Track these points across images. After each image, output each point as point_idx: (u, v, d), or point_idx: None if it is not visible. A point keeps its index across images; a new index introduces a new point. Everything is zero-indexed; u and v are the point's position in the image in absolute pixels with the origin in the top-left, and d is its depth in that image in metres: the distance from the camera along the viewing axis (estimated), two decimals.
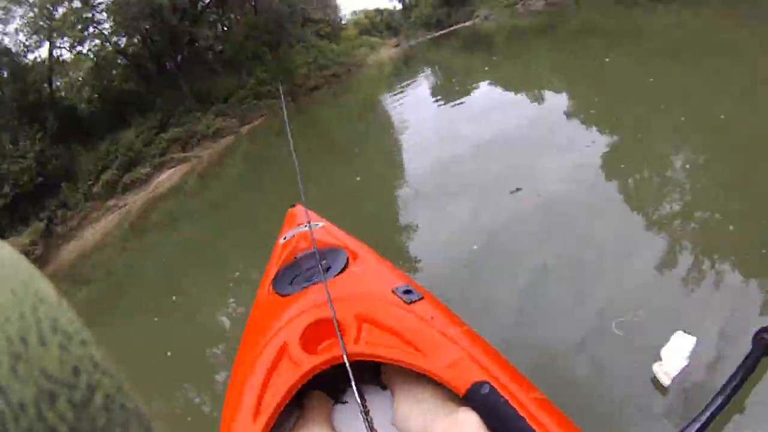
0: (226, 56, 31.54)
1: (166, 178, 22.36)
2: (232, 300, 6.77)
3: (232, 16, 35.45)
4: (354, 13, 75.59)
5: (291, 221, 3.76)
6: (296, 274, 2.70)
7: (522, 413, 1.45)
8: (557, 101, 8.52)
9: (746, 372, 2.02)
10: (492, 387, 1.53)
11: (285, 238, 3.39)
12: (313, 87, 32.79)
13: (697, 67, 7.68)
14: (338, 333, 1.85)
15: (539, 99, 9.26)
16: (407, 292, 2.15)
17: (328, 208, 5.76)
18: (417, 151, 9.36)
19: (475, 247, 4.78)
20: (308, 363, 1.83)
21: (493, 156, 6.98)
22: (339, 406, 2.11)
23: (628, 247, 3.91)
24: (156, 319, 7.34)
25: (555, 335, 3.26)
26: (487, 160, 6.95)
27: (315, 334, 2.01)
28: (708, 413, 1.85)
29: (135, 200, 21.55)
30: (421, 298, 2.11)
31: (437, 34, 53.31)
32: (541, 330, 3.38)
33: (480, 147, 7.47)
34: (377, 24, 73.81)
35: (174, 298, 7.97)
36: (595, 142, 6.01)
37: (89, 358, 0.26)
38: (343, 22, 54.99)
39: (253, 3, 32.92)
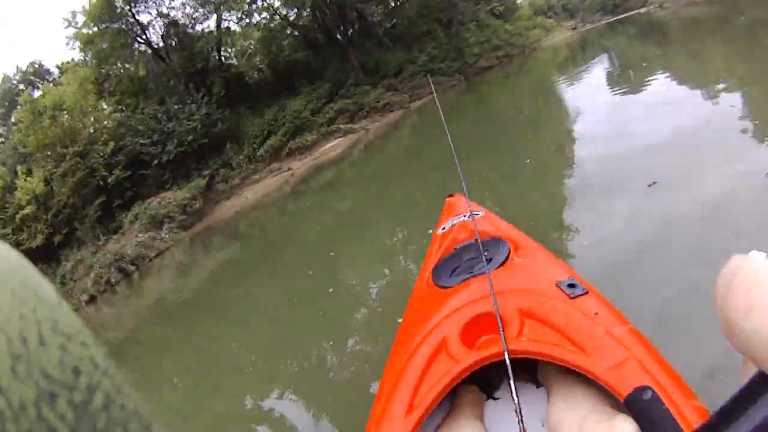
0: (398, 31, 31.32)
1: (331, 147, 22.60)
2: (381, 265, 7.00)
3: None
4: None
5: (449, 211, 3.61)
6: (457, 265, 2.58)
7: (683, 425, 1.29)
8: (733, 103, 7.85)
9: None
10: (654, 393, 1.40)
11: (444, 228, 3.26)
12: (485, 67, 32.05)
13: None
14: (501, 329, 1.74)
15: (714, 98, 8.62)
16: (571, 285, 2.01)
17: (490, 193, 5.94)
18: (587, 141, 9.06)
19: (638, 244, 4.60)
20: (468, 359, 1.75)
21: (663, 155, 6.64)
22: (491, 403, 2.03)
23: None
24: (310, 272, 8.01)
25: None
26: (655, 158, 6.62)
27: (476, 328, 1.93)
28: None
29: (298, 166, 21.99)
30: (586, 293, 1.97)
31: (613, 19, 51.74)
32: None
33: (650, 145, 7.13)
34: (554, 5, 71.75)
35: (332, 253, 8.43)
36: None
37: (89, 359, 0.26)
38: (518, 1, 53.37)
39: None
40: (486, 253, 2.47)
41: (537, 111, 15.85)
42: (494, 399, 2.05)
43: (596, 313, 1.83)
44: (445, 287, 2.41)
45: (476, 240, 2.59)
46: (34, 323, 0.25)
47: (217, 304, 9.83)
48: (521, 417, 1.53)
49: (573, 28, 58.06)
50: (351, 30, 29.57)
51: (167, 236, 19.62)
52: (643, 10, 47.86)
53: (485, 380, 2.07)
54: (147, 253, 18.68)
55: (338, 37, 29.03)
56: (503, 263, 2.40)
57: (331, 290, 7.08)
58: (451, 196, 3.95)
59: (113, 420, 0.25)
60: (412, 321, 2.35)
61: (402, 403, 1.69)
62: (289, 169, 22.09)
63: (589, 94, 14.34)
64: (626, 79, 15.01)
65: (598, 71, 18.90)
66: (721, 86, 9.10)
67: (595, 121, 10.56)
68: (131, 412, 0.26)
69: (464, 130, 14.37)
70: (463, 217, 3.21)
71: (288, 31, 30.62)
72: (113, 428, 0.24)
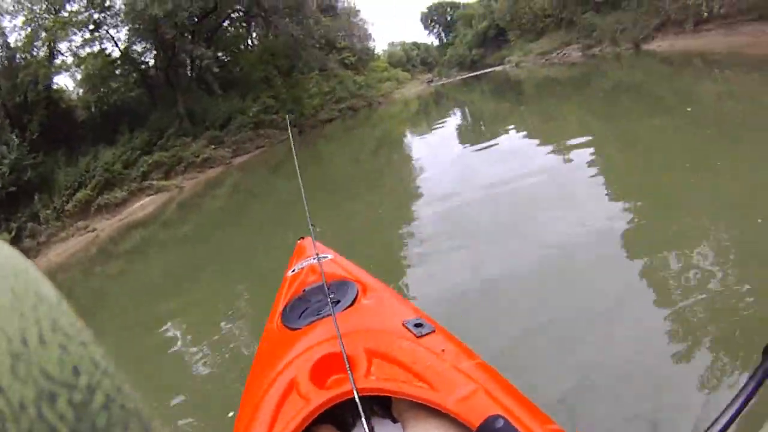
0: (234, 77, 29.29)
1: (143, 205, 20.59)
2: (221, 314, 6.62)
3: (254, 35, 33.56)
4: (391, 44, 75.89)
5: (300, 253, 3.58)
6: (305, 307, 2.57)
7: None
8: (581, 159, 8.16)
9: (756, 386, 1.55)
10: (506, 421, 1.45)
11: (294, 270, 3.24)
12: (326, 119, 30.66)
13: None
14: (348, 368, 1.76)
15: (563, 154, 8.94)
16: (418, 325, 2.06)
17: (336, 243, 4.91)
18: (432, 193, 8.97)
19: (477, 289, 4.75)
20: (318, 398, 1.73)
21: (509, 205, 7.00)
22: None
23: (619, 308, 3.83)
24: (132, 331, 7.43)
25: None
26: (502, 208, 6.94)
27: (325, 368, 1.93)
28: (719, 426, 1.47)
29: (105, 225, 19.96)
30: (433, 331, 2.03)
31: (470, 75, 52.34)
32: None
33: (496, 195, 7.43)
34: (413, 58, 72.70)
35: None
36: (609, 206, 5.89)
37: (89, 359, 0.26)
38: (376, 52, 53.22)
39: (274, 24, 30.53)
40: (333, 295, 2.47)
41: (379, 164, 15.61)
42: None
43: (443, 350, 1.87)
44: (294, 329, 2.38)
45: (325, 282, 2.54)
46: (34, 322, 0.25)
47: None
48: None
49: (429, 81, 58.80)
50: (182, 72, 27.22)
51: None
52: (499, 68, 48.82)
53: (342, 419, 1.99)
54: None
55: (171, 79, 26.52)
56: (351, 305, 2.41)
57: (166, 348, 6.47)
58: (302, 239, 3.91)
59: (113, 419, 0.24)
60: (263, 363, 2.30)
61: None
62: (94, 229, 19.81)
63: (437, 147, 14.40)
64: (477, 134, 15.43)
65: (449, 125, 18.97)
66: (570, 141, 9.36)
67: (441, 173, 10.55)
68: (131, 411, 0.26)
69: (295, 186, 13.19)
70: (311, 260, 3.21)
71: (122, 69, 27.92)
72: (113, 428, 0.24)
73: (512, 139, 11.66)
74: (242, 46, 33.01)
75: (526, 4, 48.11)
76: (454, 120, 20.69)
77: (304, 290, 2.79)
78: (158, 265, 11.63)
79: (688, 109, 9.79)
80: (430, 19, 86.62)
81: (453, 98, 32.39)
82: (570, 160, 8.35)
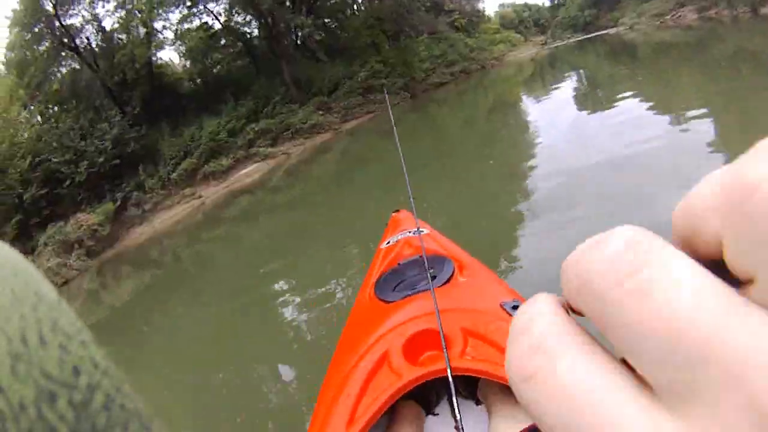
0: (339, 44, 28.20)
1: (248, 172, 20.29)
2: (315, 283, 6.72)
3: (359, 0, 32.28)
4: (501, 5, 73.56)
5: (395, 226, 3.62)
6: (400, 280, 2.58)
7: None
8: (700, 130, 7.73)
9: None
10: None
11: (388, 242, 3.26)
12: (438, 83, 29.18)
13: None
14: (444, 346, 1.72)
15: (680, 124, 8.47)
16: (515, 307, 1.99)
17: (433, 218, 5.29)
18: (546, 162, 8.62)
19: None
20: (410, 374, 1.72)
21: (622, 177, 6.56)
22: (431, 418, 2.06)
23: None
24: (235, 295, 8.03)
25: None
26: (614, 180, 6.57)
27: (419, 344, 1.92)
28: None
29: (211, 192, 20.01)
30: None
31: (583, 37, 50.12)
32: None
33: (611, 165, 7.14)
34: (525, 19, 70.18)
35: (261, 270, 8.34)
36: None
37: (89, 359, 0.25)
38: (486, 13, 51.54)
39: None
40: (431, 270, 2.38)
41: (492, 130, 14.81)
42: (434, 415, 2.06)
43: None
44: (387, 301, 2.38)
45: (421, 256, 2.54)
46: (34, 322, 0.25)
47: (129, 329, 9.38)
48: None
49: (542, 44, 56.73)
50: (285, 41, 26.39)
51: (75, 263, 17.68)
52: (612, 30, 46.09)
53: (424, 396, 2.06)
54: (54, 280, 16.21)
55: (273, 48, 25.94)
56: (447, 281, 2.37)
57: (262, 308, 7.02)
58: (397, 211, 3.93)
59: (113, 420, 0.24)
60: (353, 334, 2.33)
61: (343, 416, 1.68)
62: (200, 196, 19.83)
63: (553, 112, 13.86)
64: (594, 98, 14.75)
65: (565, 89, 18.02)
66: (689, 112, 8.80)
67: (556, 140, 10.14)
68: (131, 411, 0.25)
69: (406, 151, 12.73)
70: (408, 233, 3.19)
71: (225, 41, 27.91)
72: (113, 428, 0.24)
73: (630, 107, 10.97)
74: (348, 12, 31.85)
75: None
76: (570, 84, 19.48)
77: (399, 263, 2.74)
78: (264, 230, 11.67)
79: None
80: None
81: (568, 61, 30.71)
82: (689, 132, 7.87)
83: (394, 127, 3.97)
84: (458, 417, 1.53)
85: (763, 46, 15.78)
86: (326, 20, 30.02)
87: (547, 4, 76.61)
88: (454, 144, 13.75)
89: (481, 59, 35.54)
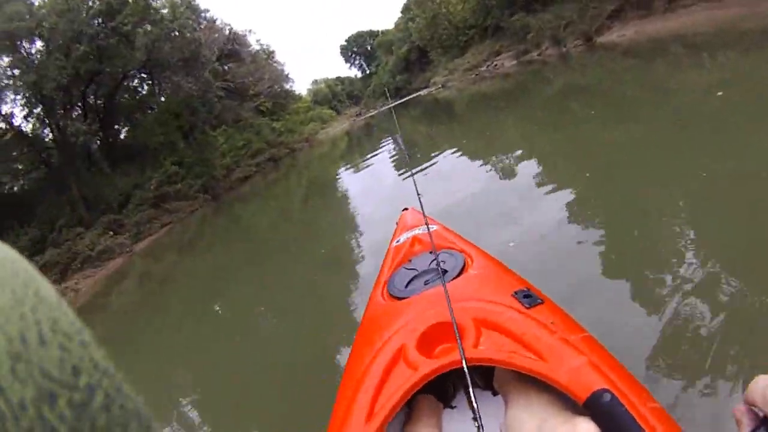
0: (132, 147, 26.04)
1: None
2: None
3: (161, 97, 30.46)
4: (315, 82, 74.42)
5: (404, 224, 3.72)
6: (412, 276, 2.60)
7: (644, 426, 1.36)
8: (524, 172, 7.84)
9: None
10: (614, 396, 1.45)
11: (398, 241, 3.33)
12: (243, 177, 27.60)
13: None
14: (458, 337, 1.79)
15: (503, 169, 8.73)
16: (527, 296, 2.06)
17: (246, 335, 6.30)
18: (372, 228, 8.63)
19: None
20: (426, 367, 1.76)
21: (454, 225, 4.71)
22: (449, 411, 2.09)
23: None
24: None
25: None
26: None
27: (433, 337, 1.97)
28: None
29: None
30: (542, 303, 2.04)
31: (397, 102, 50.32)
32: None
33: (436, 216, 5.21)
34: (338, 93, 70.87)
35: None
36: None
37: (89, 359, 0.26)
38: (297, 92, 50.66)
39: (169, 82, 27.72)
40: (442, 264, 2.51)
41: (311, 217, 14.05)
42: (451, 407, 2.10)
43: (552, 322, 1.88)
44: (401, 298, 2.42)
45: (431, 252, 2.68)
46: (34, 323, 0.25)
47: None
48: (481, 424, 1.60)
49: (357, 115, 56.92)
50: (71, 151, 23.68)
51: None
52: (425, 91, 47.19)
53: (441, 389, 2.10)
54: None
55: (60, 160, 23.25)
56: (458, 275, 2.43)
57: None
58: (406, 209, 4.01)
59: (113, 420, 0.25)
60: (369, 331, 2.34)
61: (362, 411, 1.69)
62: None
63: (372, 181, 13.93)
64: (413, 159, 13.85)
65: (382, 156, 18.08)
66: (511, 156, 9.13)
67: (377, 209, 9.93)
68: (131, 411, 0.26)
69: (217, 260, 12.94)
70: (418, 230, 3.28)
71: (16, 151, 24.51)
72: (113, 428, 0.25)
73: (449, 160, 11.18)
74: (141, 113, 29.98)
75: (445, 18, 46.59)
76: (387, 150, 19.31)
77: (410, 260, 2.82)
78: None
79: (678, 113, 7.98)
80: (350, 51, 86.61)
81: (383, 128, 31.20)
82: (511, 174, 8.11)
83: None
84: (475, 407, 1.59)
85: (597, 78, 15.59)
86: (117, 125, 28.15)
87: (360, 75, 78.20)
88: (270, 241, 12.87)
89: (290, 142, 34.66)
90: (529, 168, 8.04)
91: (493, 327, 1.86)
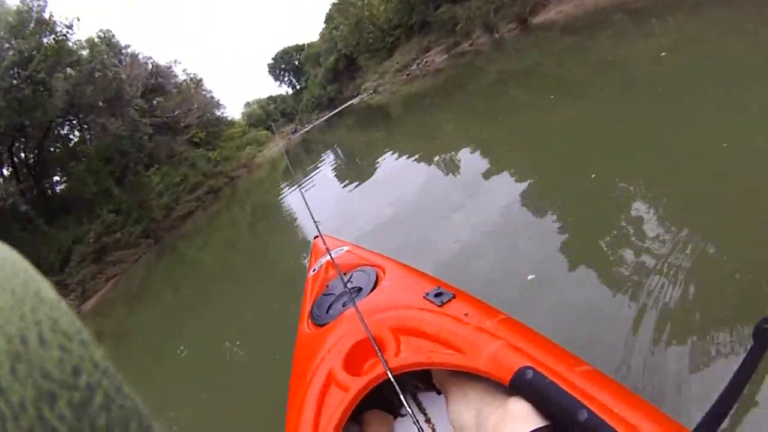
0: (66, 200, 24.87)
1: None
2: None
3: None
4: (247, 104, 73.90)
5: (317, 252, 3.75)
6: (331, 302, 2.69)
7: (571, 391, 1.42)
8: (467, 164, 8.00)
9: (751, 368, 1.69)
10: (536, 371, 1.51)
11: (314, 270, 3.41)
12: (184, 215, 26.60)
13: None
14: (377, 350, 1.87)
15: (445, 164, 8.81)
16: (438, 294, 2.14)
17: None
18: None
19: None
20: (356, 385, 1.84)
21: (403, 229, 6.76)
22: (400, 419, 2.16)
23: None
24: None
25: None
26: (394, 235, 6.66)
27: (357, 356, 2.04)
28: (718, 410, 1.55)
29: None
30: (453, 297, 2.11)
31: (331, 114, 50.82)
32: None
33: (386, 223, 7.29)
34: (272, 113, 70.18)
35: None
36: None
37: (89, 359, 0.26)
38: (230, 117, 50.00)
39: (93, 126, 26.74)
40: (352, 285, 2.60)
41: (261, 242, 13.94)
42: (402, 416, 2.16)
43: (466, 314, 1.92)
44: (323, 324, 2.49)
45: (344, 273, 2.75)
46: (34, 323, 0.25)
47: None
48: (424, 425, 1.82)
49: (292, 132, 56.36)
50: (4, 205, 22.19)
51: None
52: (356, 99, 47.05)
53: (388, 401, 2.14)
54: None
55: None
56: (372, 289, 2.51)
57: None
58: (317, 237, 3.94)
59: (113, 420, 0.25)
60: (300, 362, 2.39)
61: None
62: None
63: (316, 196, 13.24)
64: (355, 168, 15.12)
65: (324, 170, 17.90)
66: (452, 151, 9.16)
67: (328, 220, 9.32)
68: (131, 411, 0.26)
69: (171, 303, 12.63)
70: (327, 257, 3.27)
71: None
72: (113, 428, 0.25)
73: (391, 164, 11.27)
74: (82, 159, 28.35)
75: (368, 21, 46.26)
76: (328, 163, 19.72)
77: (327, 285, 2.91)
78: None
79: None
80: (278, 69, 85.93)
81: (321, 142, 30.79)
82: (454, 169, 8.24)
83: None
84: (410, 412, 1.59)
85: (535, 60, 15.26)
86: (51, 177, 27.02)
87: (291, 92, 77.57)
88: (221, 274, 12.43)
89: (228, 171, 33.90)
90: (470, 160, 8.11)
91: (409, 332, 1.93)
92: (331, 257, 3.05)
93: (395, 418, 2.14)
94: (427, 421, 1.82)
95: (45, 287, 0.28)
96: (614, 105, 7.19)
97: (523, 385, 1.47)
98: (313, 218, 3.57)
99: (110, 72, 25.83)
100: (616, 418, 1.34)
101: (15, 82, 21.88)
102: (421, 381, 2.15)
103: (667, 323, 2.79)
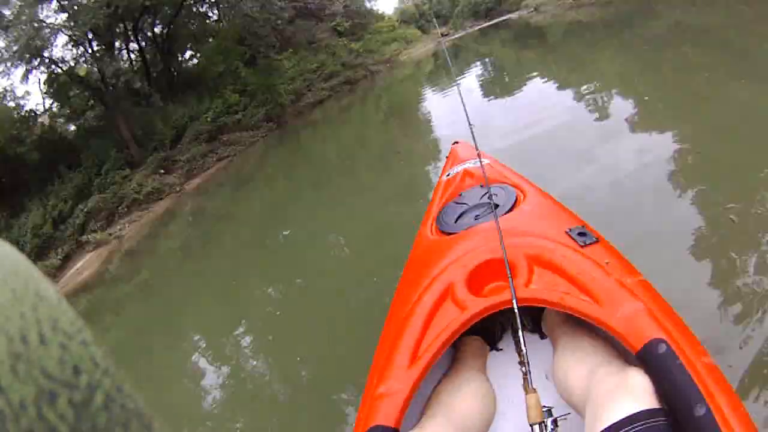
0: (190, 78, 23.87)
1: (81, 267, 15.84)
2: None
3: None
4: (402, 0, 71.56)
5: (454, 158, 3.65)
6: (462, 211, 2.58)
7: (698, 382, 1.32)
8: (614, 114, 7.31)
9: None
10: (669, 347, 1.40)
11: (448, 174, 3.30)
12: (315, 102, 25.17)
13: None
14: (509, 276, 1.78)
15: (591, 108, 8.06)
16: (581, 234, 2.01)
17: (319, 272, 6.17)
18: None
19: None
20: (475, 306, 1.75)
21: (536, 157, 6.48)
22: (494, 354, 2.10)
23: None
24: None
25: None
26: (524, 161, 5.90)
27: (483, 275, 1.94)
28: None
29: None
30: (597, 242, 1.99)
31: (487, 24, 48.22)
32: None
33: (518, 148, 7.06)
34: (425, 12, 68.04)
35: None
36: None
37: (90, 358, 0.26)
38: (380, 11, 48.25)
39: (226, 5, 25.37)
40: (493, 198, 2.46)
41: (389, 140, 13.41)
42: (497, 350, 2.09)
43: (607, 263, 1.80)
44: (450, 233, 2.39)
45: (483, 186, 2.61)
46: (34, 322, 0.25)
47: None
48: (529, 369, 1.64)
49: (443, 35, 53.64)
50: (113, 87, 21.28)
51: None
52: (515, 15, 44.08)
53: (489, 331, 2.10)
54: None
55: (104, 98, 21.14)
56: (510, 209, 2.39)
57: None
58: (456, 143, 3.92)
59: (114, 419, 0.25)
60: (416, 268, 2.31)
61: (406, 353, 1.69)
62: None
63: (458, 105, 10.57)
64: (502, 85, 14.39)
65: (470, 80, 16.73)
66: (606, 93, 8.55)
67: (463, 128, 6.88)
68: (132, 411, 0.26)
69: (279, 195, 12.10)
70: (470, 163, 3.19)
71: (72, 91, 22.63)
72: (114, 428, 0.25)
73: (538, 88, 10.80)
74: (211, 39, 27.34)
75: None
76: (476, 73, 18.44)
77: (460, 194, 2.77)
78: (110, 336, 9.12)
79: None
80: None
81: (472, 50, 29.25)
82: (600, 111, 7.77)
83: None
84: (523, 351, 1.64)
85: (721, 19, 12.35)
86: (181, 54, 26.36)
87: None
88: (338, 173, 11.78)
89: (369, 64, 31.87)
90: (620, 108, 7.58)
91: (545, 265, 1.80)
92: (481, 164, 2.76)
93: (491, 349, 2.06)
94: (522, 363, 1.68)
95: (46, 286, 0.27)
96: None
97: (652, 359, 1.36)
98: (468, 120, 3.21)
99: None
100: (727, 424, 1.21)
101: None
102: (528, 319, 2.02)
103: None
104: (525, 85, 11.60)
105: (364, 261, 6.24)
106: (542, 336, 2.00)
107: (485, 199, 2.42)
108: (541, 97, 9.94)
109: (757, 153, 4.83)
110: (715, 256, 3.27)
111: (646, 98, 7.76)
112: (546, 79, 11.47)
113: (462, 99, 3.66)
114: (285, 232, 8.64)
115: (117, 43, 23.02)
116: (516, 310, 1.62)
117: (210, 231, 12.09)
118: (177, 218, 15.73)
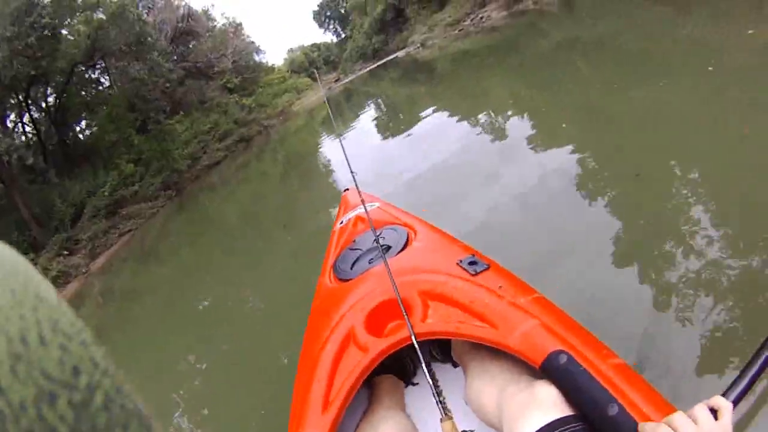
0: (81, 149, 23.51)
1: None
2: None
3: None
4: (290, 51, 73.72)
5: (346, 204, 3.77)
6: (357, 257, 2.66)
7: (604, 383, 1.39)
8: (512, 136, 7.42)
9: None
10: (570, 356, 1.47)
11: (341, 222, 3.41)
12: (211, 164, 25.26)
13: None
14: (404, 313, 1.82)
15: (488, 131, 8.32)
16: (472, 263, 2.08)
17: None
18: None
19: None
20: (376, 347, 1.80)
21: (435, 189, 6.73)
22: (411, 388, 2.16)
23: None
24: None
25: None
26: (426, 194, 6.64)
27: (381, 316, 2.00)
28: (747, 378, 1.39)
29: None
30: (488, 268, 2.05)
31: (375, 65, 48.98)
32: None
33: (419, 181, 7.26)
34: (314, 60, 69.06)
35: None
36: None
37: (89, 359, 0.26)
38: (269, 63, 49.47)
39: (116, 72, 25.20)
40: (384, 242, 2.54)
41: (289, 196, 13.31)
42: (413, 384, 2.16)
43: (500, 287, 1.87)
44: (347, 279, 2.45)
45: (372, 230, 2.66)
46: (34, 323, 0.25)
47: None
48: (438, 398, 1.60)
49: (335, 81, 55.51)
50: (10, 159, 20.10)
51: None
52: (402, 53, 45.04)
53: (402, 366, 2.16)
54: None
55: (2, 172, 19.71)
56: (402, 249, 2.47)
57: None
58: (346, 190, 4.01)
59: (113, 420, 0.25)
60: (318, 317, 2.35)
61: (318, 400, 1.71)
62: None
63: (355, 148, 12.58)
64: (396, 122, 14.76)
65: (364, 122, 17.36)
66: (498, 115, 8.91)
67: (363, 172, 7.27)
68: (131, 411, 0.26)
69: (189, 264, 11.90)
70: (359, 210, 3.29)
71: None
72: (113, 428, 0.25)
73: (432, 121, 11.03)
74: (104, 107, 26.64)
75: None
76: (369, 115, 19.03)
77: (354, 240, 2.87)
78: None
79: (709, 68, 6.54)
80: (323, 16, 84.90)
81: (363, 93, 29.95)
82: (497, 134, 7.94)
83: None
84: (429, 383, 1.61)
85: (615, 28, 12.72)
86: (74, 124, 25.86)
87: (335, 40, 76.19)
88: (241, 235, 11.81)
89: (261, 119, 32.23)
90: (515, 128, 7.69)
91: (439, 298, 1.88)
92: (365, 210, 2.89)
93: (406, 385, 2.12)
94: (439, 393, 1.62)
95: (45, 287, 0.27)
96: (700, 95, 5.97)
97: (554, 370, 1.43)
98: (350, 168, 3.42)
99: (132, 14, 23.98)
100: (643, 415, 1.29)
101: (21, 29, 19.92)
102: (439, 351, 2.11)
103: (695, 320, 2.67)
104: (419, 119, 11.81)
105: (280, 315, 6.24)
106: (455, 365, 2.07)
107: (377, 243, 2.48)
108: (435, 128, 10.25)
109: (639, 148, 5.15)
110: (620, 261, 3.42)
111: (544, 109, 8.34)
112: (439, 111, 11.74)
113: (344, 149, 3.84)
114: (193, 304, 8.55)
115: (12, 116, 22.70)
116: (416, 346, 1.66)
117: (122, 310, 11.77)
118: (87, 301, 14.98)
